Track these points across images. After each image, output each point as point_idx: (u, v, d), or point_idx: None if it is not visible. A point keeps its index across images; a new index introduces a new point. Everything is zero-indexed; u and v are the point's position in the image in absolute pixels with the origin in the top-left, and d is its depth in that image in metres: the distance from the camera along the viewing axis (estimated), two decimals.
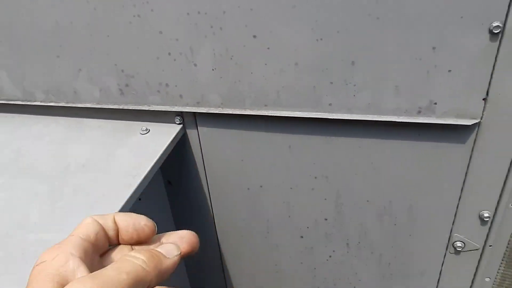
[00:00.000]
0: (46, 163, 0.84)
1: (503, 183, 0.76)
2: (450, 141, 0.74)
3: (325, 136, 0.82)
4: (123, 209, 0.69)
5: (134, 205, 0.93)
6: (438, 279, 0.93)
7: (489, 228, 0.82)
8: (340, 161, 0.84)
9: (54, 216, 0.68)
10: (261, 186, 0.95)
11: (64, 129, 0.98)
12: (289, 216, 0.98)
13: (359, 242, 0.95)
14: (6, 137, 0.97)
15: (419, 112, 0.72)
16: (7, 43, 0.96)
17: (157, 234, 0.39)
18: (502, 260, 0.87)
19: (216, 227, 1.08)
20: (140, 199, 0.95)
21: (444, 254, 0.88)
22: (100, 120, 0.99)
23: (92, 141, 0.91)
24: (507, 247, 0.85)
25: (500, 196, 0.77)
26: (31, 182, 0.78)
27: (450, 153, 0.75)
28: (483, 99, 0.68)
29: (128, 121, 0.96)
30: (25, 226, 0.66)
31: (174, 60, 0.84)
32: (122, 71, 0.90)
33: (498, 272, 0.89)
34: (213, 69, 0.82)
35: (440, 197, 0.81)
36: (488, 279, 0.90)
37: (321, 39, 0.71)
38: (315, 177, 0.89)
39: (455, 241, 0.85)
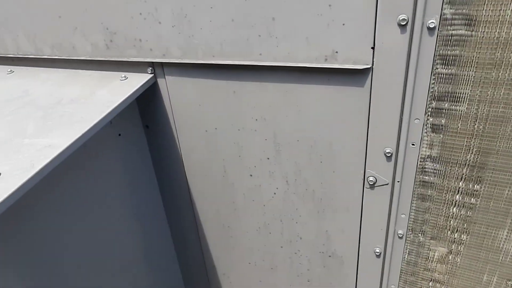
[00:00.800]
0: (45, 98, 1.16)
1: (399, 122, 0.97)
2: (352, 85, 0.96)
3: (260, 82, 1.07)
4: (95, 127, 0.99)
5: (115, 140, 1.24)
6: (361, 214, 1.15)
7: (395, 165, 1.03)
8: (273, 104, 1.09)
9: (44, 129, 0.99)
10: (215, 128, 1.22)
11: (63, 77, 1.30)
12: (240, 156, 1.24)
13: (295, 180, 1.19)
14: (19, 82, 1.32)
15: (326, 59, 0.95)
16: (23, 7, 1.30)
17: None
18: (413, 196, 1.07)
19: (185, 166, 1.36)
20: (120, 135, 1.27)
21: (362, 190, 1.11)
22: (91, 71, 1.31)
23: (82, 85, 1.23)
24: (414, 184, 1.05)
25: (399, 134, 0.99)
26: (32, 110, 1.10)
27: (354, 95, 0.98)
28: (372, 48, 0.90)
29: (112, 72, 1.27)
30: (22, 135, 0.98)
31: (144, 19, 1.12)
32: (107, 28, 1.20)
33: (411, 209, 1.10)
34: (173, 26, 1.09)
35: (352, 136, 1.03)
36: (404, 215, 1.11)
37: None
38: (256, 119, 1.14)
39: (368, 177, 1.07)
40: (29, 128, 1.01)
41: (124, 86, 1.17)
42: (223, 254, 1.52)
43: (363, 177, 1.08)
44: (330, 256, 1.28)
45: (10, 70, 1.43)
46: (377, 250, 1.18)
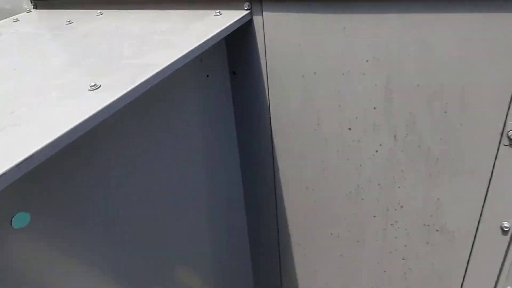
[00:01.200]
0: (149, 31, 1.11)
1: None
2: (508, 10, 0.78)
3: (378, 14, 0.92)
4: (188, 55, 0.91)
5: (203, 80, 1.17)
6: (490, 179, 0.96)
7: None
8: (392, 41, 0.93)
9: (139, 53, 0.94)
10: (314, 73, 1.09)
11: (153, 16, 1.25)
12: (339, 106, 1.10)
13: (406, 134, 1.03)
14: (111, 21, 1.29)
15: None
16: None
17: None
18: None
19: (271, 117, 1.25)
20: (208, 76, 1.19)
21: (497, 147, 0.91)
22: (182, 10, 1.24)
23: (174, 20, 1.16)
24: None
25: None
26: (127, 39, 1.06)
27: (508, 24, 0.79)
28: None
29: (205, 10, 1.19)
30: (119, 57, 0.93)
31: None
32: None
33: None
34: None
35: (495, 77, 0.85)
36: None
37: None
38: (367, 60, 0.99)
39: (510, 131, 0.88)
40: (125, 51, 0.96)
41: (219, 20, 1.08)
42: (301, 221, 1.40)
43: (501, 132, 0.89)
44: (437, 230, 1.10)
45: (100, 12, 1.41)
46: (506, 225, 0.98)
